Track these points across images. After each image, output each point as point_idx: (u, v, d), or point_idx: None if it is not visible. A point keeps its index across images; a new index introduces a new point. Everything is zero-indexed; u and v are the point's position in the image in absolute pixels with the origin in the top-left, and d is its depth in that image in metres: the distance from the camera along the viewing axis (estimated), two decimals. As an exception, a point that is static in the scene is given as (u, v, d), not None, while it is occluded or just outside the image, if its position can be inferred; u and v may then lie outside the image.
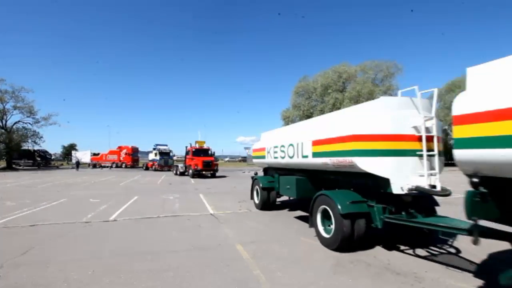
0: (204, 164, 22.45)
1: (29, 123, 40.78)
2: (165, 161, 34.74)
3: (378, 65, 39.64)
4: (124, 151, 43.06)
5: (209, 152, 24.98)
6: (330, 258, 4.62)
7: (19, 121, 40.37)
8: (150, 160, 36.76)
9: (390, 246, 5.25)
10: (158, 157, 34.70)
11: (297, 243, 5.49)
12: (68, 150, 65.18)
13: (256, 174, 9.95)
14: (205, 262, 4.43)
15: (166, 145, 37.47)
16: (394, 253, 4.92)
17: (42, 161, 46.44)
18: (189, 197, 11.88)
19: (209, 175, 23.07)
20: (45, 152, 50.33)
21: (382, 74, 39.50)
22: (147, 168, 36.28)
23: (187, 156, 25.14)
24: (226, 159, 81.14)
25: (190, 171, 23.16)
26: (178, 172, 26.03)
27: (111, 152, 44.43)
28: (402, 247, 5.19)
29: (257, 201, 9.16)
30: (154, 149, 36.37)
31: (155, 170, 34.15)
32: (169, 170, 33.54)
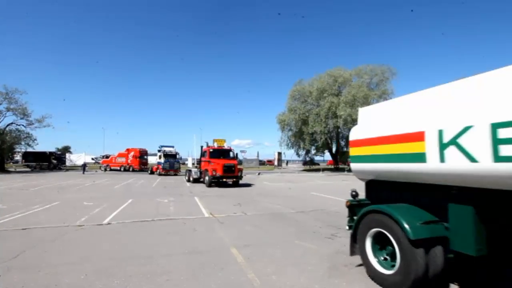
0: (225, 169, 17.66)
1: (23, 125, 40.26)
2: (171, 165, 30.74)
3: (373, 69, 40.16)
4: (132, 153, 39.95)
5: (231, 153, 19.93)
6: (325, 262, 4.63)
7: (12, 123, 39.84)
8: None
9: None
10: (163, 160, 30.71)
11: (292, 246, 5.49)
12: (63, 153, 64.37)
13: (355, 195, 4.72)
14: (199, 266, 4.40)
15: (173, 147, 33.36)
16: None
17: (58, 163, 45.12)
18: (184, 200, 11.82)
19: (231, 182, 17.94)
20: (61, 154, 49.27)
21: (377, 78, 40.01)
22: (152, 172, 32.44)
23: (203, 159, 20.09)
24: None
25: (207, 178, 18.14)
26: (191, 179, 21.06)
27: (120, 155, 41.25)
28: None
29: (384, 270, 3.68)
30: (159, 150, 32.33)
31: (160, 174, 30.18)
32: (175, 175, 30.39)
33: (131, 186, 18.19)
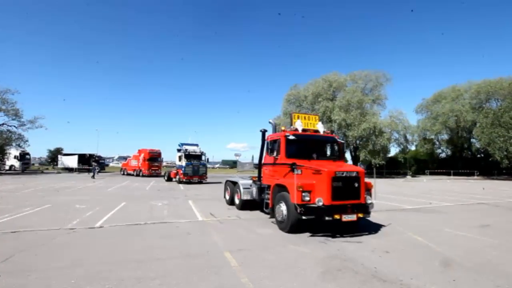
0: (336, 189, 6.51)
1: (14, 126, 39.59)
2: (195, 169, 22.72)
3: (367, 75, 40.70)
4: (142, 155, 33.42)
5: (335, 147, 8.87)
6: (319, 266, 4.64)
7: (3, 124, 39.15)
8: (174, 167, 26.56)
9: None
10: (184, 163, 22.65)
11: (286, 251, 5.50)
12: (54, 155, 63.29)
13: None
14: (192, 270, 4.37)
15: (197, 145, 25.06)
16: (382, 260, 4.98)
17: (97, 166, 43.50)
18: (178, 204, 11.73)
19: (356, 219, 6.58)
20: (99, 157, 46.71)
21: (372, 84, 40.55)
22: (169, 179, 25.14)
23: (267, 158, 8.88)
24: (217, 165, 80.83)
25: (283, 208, 7.00)
26: (236, 200, 10.62)
27: (134, 157, 35.81)
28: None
29: None
30: (178, 150, 24.14)
31: (180, 182, 22.81)
32: (200, 182, 22.92)
33: (124, 189, 17.98)
